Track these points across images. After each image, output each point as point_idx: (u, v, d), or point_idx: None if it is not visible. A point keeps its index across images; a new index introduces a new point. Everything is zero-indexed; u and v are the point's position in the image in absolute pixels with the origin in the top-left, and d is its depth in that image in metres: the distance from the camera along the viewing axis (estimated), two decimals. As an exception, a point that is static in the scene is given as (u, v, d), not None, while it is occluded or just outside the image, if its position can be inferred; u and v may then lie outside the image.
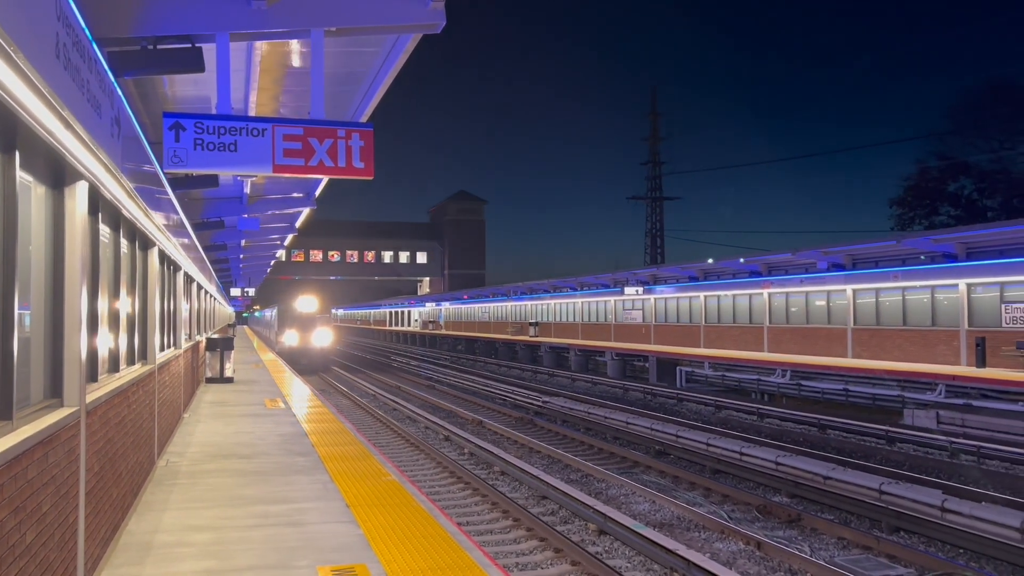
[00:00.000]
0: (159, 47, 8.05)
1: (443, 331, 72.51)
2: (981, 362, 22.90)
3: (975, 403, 20.62)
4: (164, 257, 11.23)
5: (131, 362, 8.51)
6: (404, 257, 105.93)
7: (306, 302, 43.82)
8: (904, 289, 26.48)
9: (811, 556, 10.30)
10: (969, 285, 24.14)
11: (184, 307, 15.92)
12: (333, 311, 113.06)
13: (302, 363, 39.78)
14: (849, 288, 28.62)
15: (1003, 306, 22.75)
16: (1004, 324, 22.59)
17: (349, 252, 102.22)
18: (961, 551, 11.00)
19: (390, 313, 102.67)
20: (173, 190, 11.76)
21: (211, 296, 29.19)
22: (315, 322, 42.77)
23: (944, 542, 11.32)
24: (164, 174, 9.37)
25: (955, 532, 11.28)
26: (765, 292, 33.06)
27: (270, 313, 56.60)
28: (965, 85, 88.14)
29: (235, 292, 54.74)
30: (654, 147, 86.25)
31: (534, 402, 25.96)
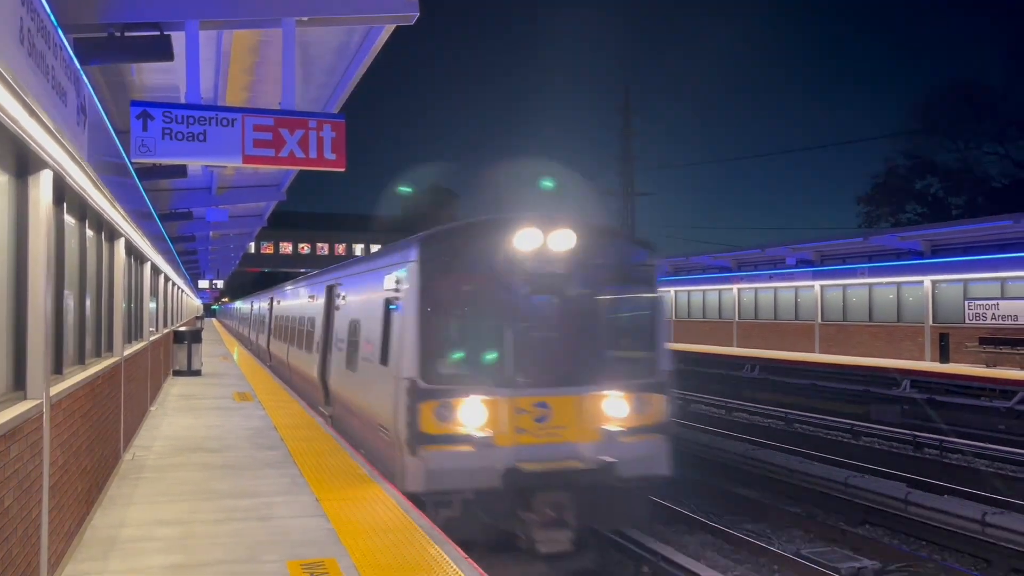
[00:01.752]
0: (127, 34, 7.90)
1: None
2: (945, 358, 23.32)
3: (939, 398, 20.99)
4: (131, 248, 11.06)
5: (97, 354, 8.37)
6: (376, 249, 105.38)
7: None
8: (871, 286, 26.87)
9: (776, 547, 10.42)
10: (934, 282, 24.56)
11: (151, 299, 15.71)
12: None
13: None
14: (817, 284, 28.99)
15: (966, 303, 23.18)
16: (967, 320, 23.02)
17: (319, 244, 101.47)
18: (924, 543, 11.21)
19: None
20: (141, 180, 11.59)
21: (179, 288, 28.80)
22: None
23: (908, 534, 11.53)
24: (131, 164, 9.22)
25: (918, 524, 11.49)
26: (735, 288, 33.38)
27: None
28: (932, 85, 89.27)
29: (203, 284, 54.12)
30: (627, 143, 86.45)
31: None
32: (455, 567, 6.01)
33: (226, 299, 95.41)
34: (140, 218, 10.89)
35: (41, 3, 4.39)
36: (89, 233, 7.63)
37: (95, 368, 7.62)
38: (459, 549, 6.51)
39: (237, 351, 35.07)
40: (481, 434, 8.94)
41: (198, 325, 35.01)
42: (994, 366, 21.75)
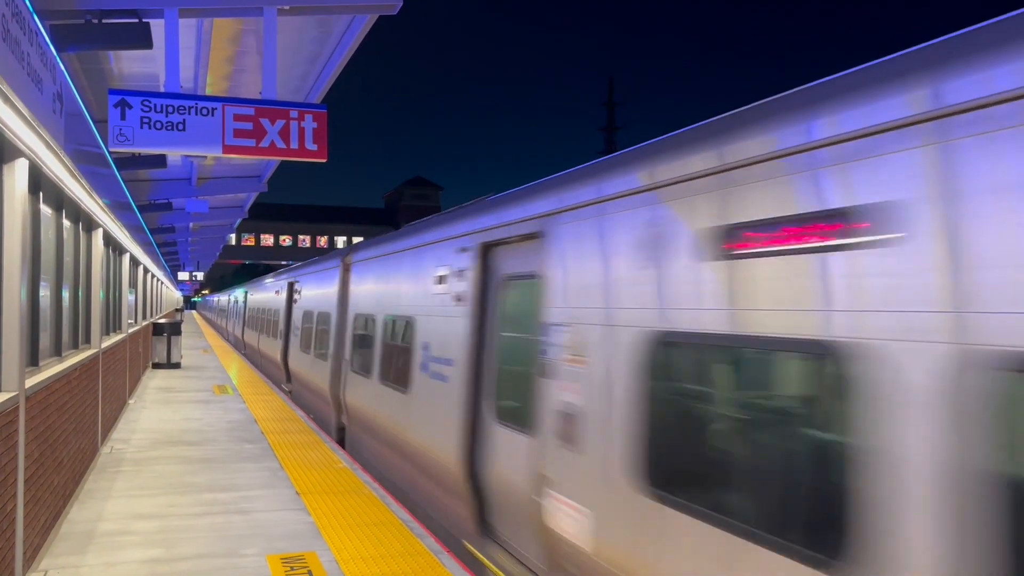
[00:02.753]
0: (105, 21, 7.79)
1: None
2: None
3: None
4: (109, 239, 10.93)
5: (74, 346, 8.27)
6: (358, 242, 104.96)
7: None
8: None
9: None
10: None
11: (130, 291, 15.55)
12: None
13: None
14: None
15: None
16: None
17: (301, 236, 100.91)
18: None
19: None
20: (119, 170, 11.45)
21: (158, 280, 28.55)
22: None
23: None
24: (109, 153, 9.10)
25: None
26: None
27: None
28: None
29: (183, 276, 53.69)
30: (610, 136, 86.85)
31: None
32: (436, 559, 6.00)
33: (206, 291, 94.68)
34: (118, 209, 10.76)
35: (16, -12, 4.31)
36: (66, 223, 7.52)
37: (72, 360, 7.53)
38: (439, 542, 6.48)
39: (217, 344, 34.85)
40: None
41: (178, 317, 34.76)
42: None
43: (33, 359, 6.00)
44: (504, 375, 6.40)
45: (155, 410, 13.78)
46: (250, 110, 7.54)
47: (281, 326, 19.25)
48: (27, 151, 4.99)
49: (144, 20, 7.87)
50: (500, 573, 6.04)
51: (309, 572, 5.71)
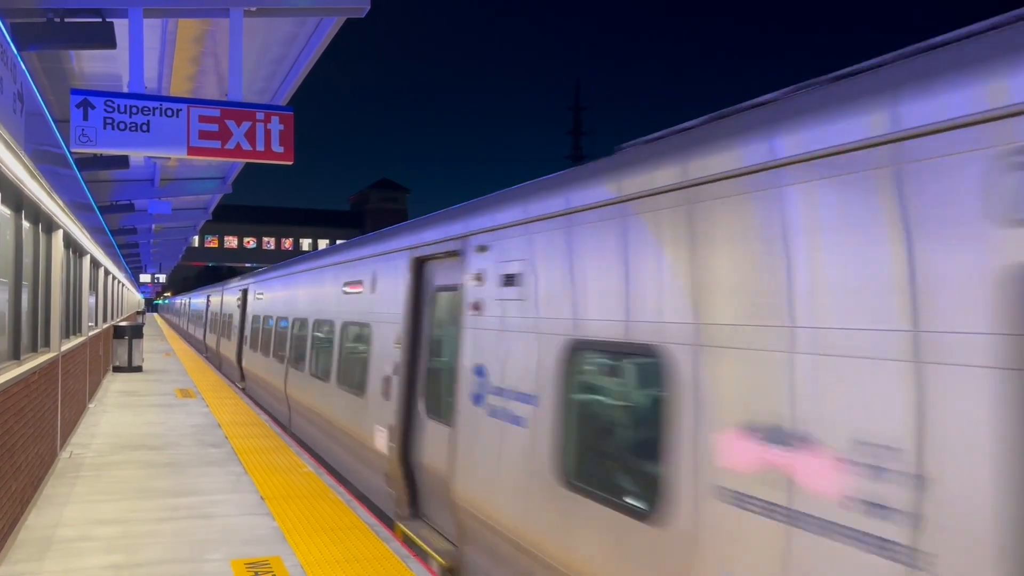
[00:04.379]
0: (67, 20, 7.68)
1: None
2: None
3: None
4: (69, 241, 10.76)
5: (33, 349, 8.13)
6: (323, 244, 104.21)
7: None
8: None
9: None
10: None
11: (90, 293, 15.30)
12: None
13: None
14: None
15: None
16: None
17: (266, 239, 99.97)
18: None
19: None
20: (80, 170, 11.28)
21: (119, 282, 28.11)
22: None
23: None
24: (71, 154, 8.97)
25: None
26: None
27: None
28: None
29: (145, 278, 52.93)
30: (577, 140, 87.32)
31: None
32: (402, 564, 5.99)
33: (169, 293, 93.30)
34: (79, 210, 10.60)
35: (-24, -15, 4.24)
36: (25, 224, 7.39)
37: (30, 364, 7.40)
38: (405, 545, 6.48)
39: (180, 347, 34.39)
40: None
41: (139, 320, 34.21)
42: None
43: (-9, 362, 5.89)
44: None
45: (116, 414, 13.57)
46: (216, 111, 7.48)
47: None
48: (-14, 151, 4.91)
49: (108, 20, 7.78)
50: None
51: (274, 577, 5.68)
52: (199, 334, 33.78)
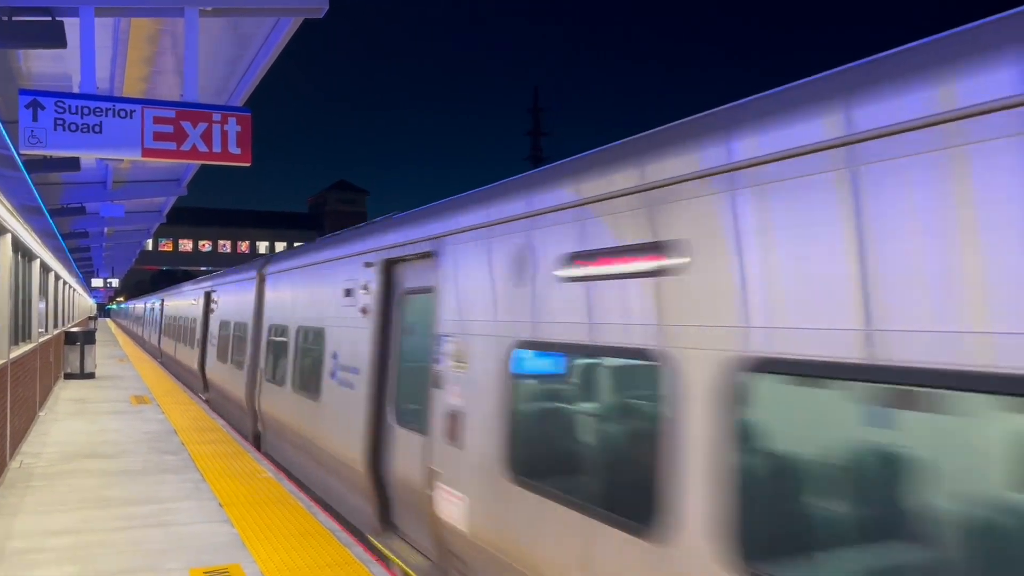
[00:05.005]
0: (15, 19, 7.48)
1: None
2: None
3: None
4: (18, 245, 10.50)
5: (-20, 356, 7.91)
6: (281, 247, 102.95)
7: None
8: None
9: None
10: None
11: (40, 298, 14.94)
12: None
13: None
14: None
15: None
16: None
17: (222, 242, 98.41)
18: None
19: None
20: (29, 173, 11.00)
21: (71, 287, 27.50)
22: None
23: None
24: (19, 155, 8.75)
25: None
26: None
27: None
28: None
29: (97, 283, 51.78)
30: (536, 141, 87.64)
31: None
32: (364, 568, 5.95)
33: (122, 298, 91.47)
34: (28, 213, 10.34)
35: (-80, -18, 4.12)
36: (-28, 228, 7.20)
37: (-21, 371, 7.20)
38: (368, 551, 6.43)
39: (133, 352, 33.73)
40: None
41: (91, 326, 33.51)
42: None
43: (-63, 370, 5.72)
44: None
45: (68, 422, 13.26)
46: (171, 112, 7.35)
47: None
48: (-69, 152, 4.77)
49: (58, 18, 7.59)
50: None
51: (234, 585, 5.59)
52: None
